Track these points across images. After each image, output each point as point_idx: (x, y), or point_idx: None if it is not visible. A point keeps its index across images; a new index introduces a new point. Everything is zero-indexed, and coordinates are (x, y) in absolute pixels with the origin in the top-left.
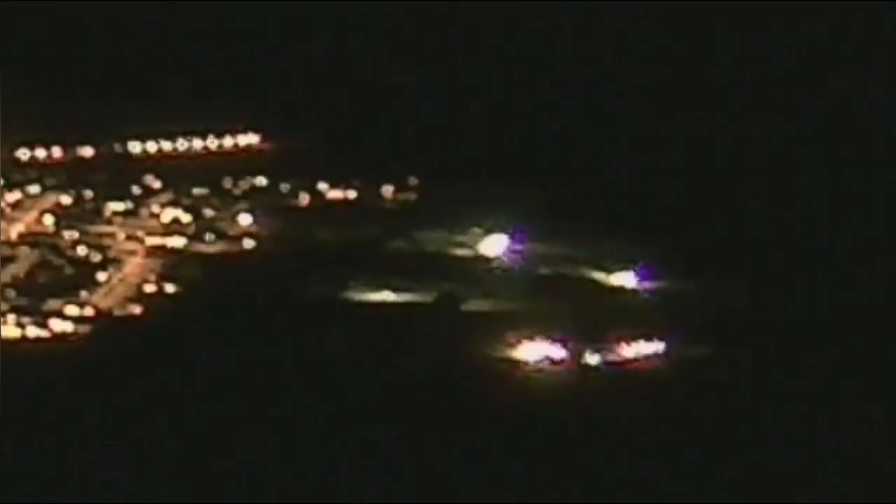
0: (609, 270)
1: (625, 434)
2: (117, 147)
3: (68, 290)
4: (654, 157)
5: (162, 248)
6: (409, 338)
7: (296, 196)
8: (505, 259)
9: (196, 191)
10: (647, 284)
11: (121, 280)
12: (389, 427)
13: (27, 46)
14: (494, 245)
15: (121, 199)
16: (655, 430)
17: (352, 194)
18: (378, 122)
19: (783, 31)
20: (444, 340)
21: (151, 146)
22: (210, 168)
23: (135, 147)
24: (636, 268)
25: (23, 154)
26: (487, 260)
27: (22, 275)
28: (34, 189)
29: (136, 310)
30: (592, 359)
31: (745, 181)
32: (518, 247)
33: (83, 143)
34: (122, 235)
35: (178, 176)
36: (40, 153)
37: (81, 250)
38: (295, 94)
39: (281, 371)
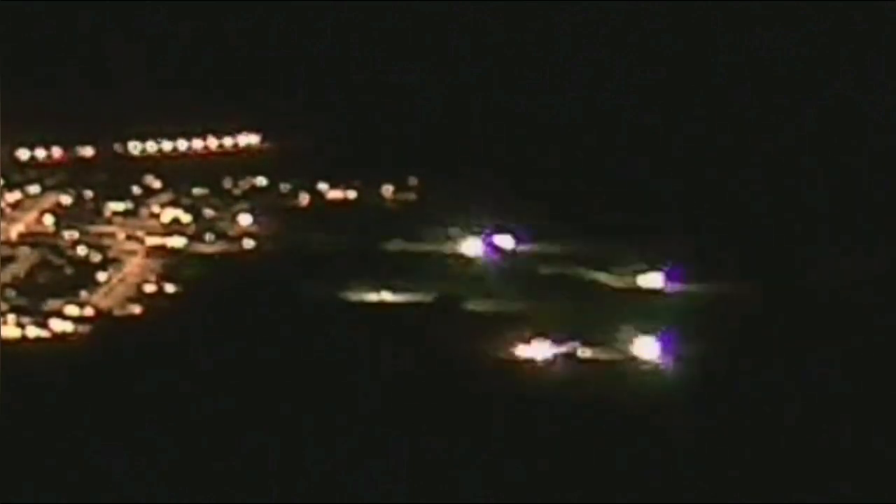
0: (611, 271)
1: (625, 433)
2: (117, 147)
3: (68, 290)
4: (654, 158)
5: (162, 248)
6: (409, 337)
7: (296, 196)
8: (505, 259)
9: (196, 191)
10: (651, 285)
11: (121, 280)
12: (389, 426)
13: (27, 46)
14: (494, 245)
15: (121, 199)
16: (655, 429)
17: (352, 194)
18: (378, 122)
19: (783, 30)
20: (444, 340)
21: (151, 146)
22: (210, 168)
23: (135, 147)
24: (639, 269)
25: (23, 154)
26: (488, 260)
27: (22, 275)
28: (34, 189)
29: (136, 310)
30: (592, 359)
31: (745, 182)
32: (519, 247)
33: (83, 143)
34: (122, 235)
35: (178, 176)
36: (40, 153)
37: (81, 250)
38: (295, 94)
39: (280, 371)
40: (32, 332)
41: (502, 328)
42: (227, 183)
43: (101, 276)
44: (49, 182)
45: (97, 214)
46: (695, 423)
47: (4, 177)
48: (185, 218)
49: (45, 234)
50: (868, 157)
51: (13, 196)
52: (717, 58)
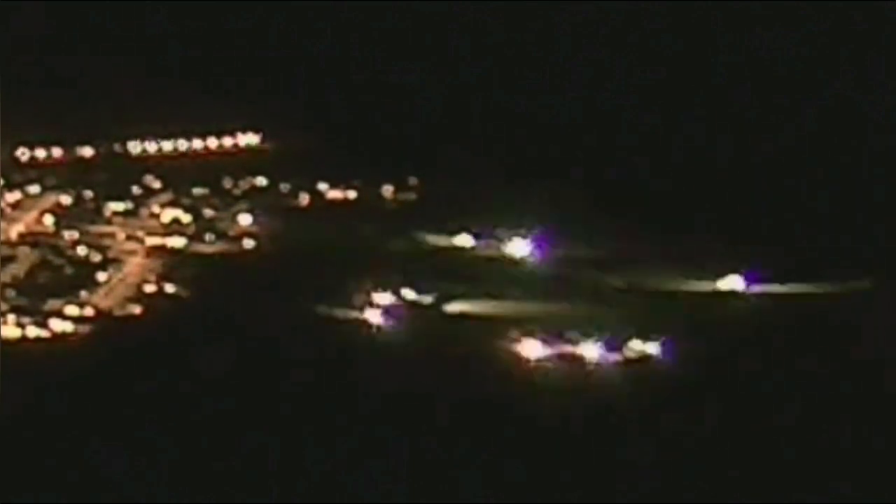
0: (611, 271)
1: (626, 432)
2: (117, 147)
3: (68, 290)
4: (653, 157)
5: (162, 248)
6: (408, 337)
7: (296, 196)
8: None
9: (196, 191)
10: (654, 285)
11: (121, 280)
12: (389, 426)
13: (27, 46)
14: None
15: (121, 199)
16: (657, 428)
17: (352, 194)
18: (378, 122)
19: (783, 30)
20: (443, 340)
21: (151, 146)
22: (210, 168)
23: (135, 147)
24: (639, 269)
25: (23, 154)
26: (488, 260)
27: (22, 275)
28: (34, 189)
29: (136, 310)
30: (593, 358)
31: (745, 182)
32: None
33: (83, 143)
34: (122, 235)
35: (178, 176)
36: (40, 153)
37: (81, 250)
38: (295, 94)
39: (280, 371)
40: (32, 332)
41: (502, 328)
42: (227, 183)
43: (101, 276)
44: (49, 182)
45: (97, 214)
46: (695, 422)
47: (4, 177)
48: (185, 218)
49: (45, 234)
50: (868, 157)
51: (13, 196)
52: (717, 58)
